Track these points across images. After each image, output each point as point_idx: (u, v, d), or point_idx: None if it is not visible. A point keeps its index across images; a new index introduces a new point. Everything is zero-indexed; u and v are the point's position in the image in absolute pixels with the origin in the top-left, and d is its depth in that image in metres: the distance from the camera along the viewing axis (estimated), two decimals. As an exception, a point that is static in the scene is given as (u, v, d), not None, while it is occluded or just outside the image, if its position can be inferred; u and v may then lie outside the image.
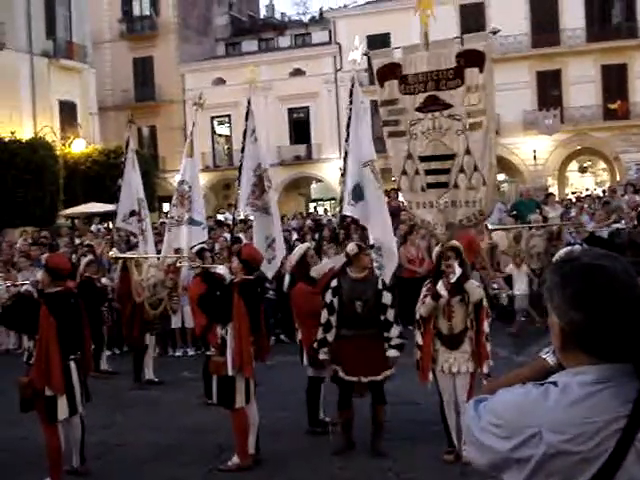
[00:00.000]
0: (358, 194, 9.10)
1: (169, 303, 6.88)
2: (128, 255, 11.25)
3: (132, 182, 11.99)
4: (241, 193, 10.03)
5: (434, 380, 6.84)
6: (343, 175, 9.22)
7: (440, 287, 6.60)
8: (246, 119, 10.28)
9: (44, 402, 6.37)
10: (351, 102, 9.31)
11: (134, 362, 10.91)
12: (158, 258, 10.58)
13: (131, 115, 15.30)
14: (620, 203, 17.16)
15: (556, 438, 1.82)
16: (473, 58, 6.23)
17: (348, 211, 9.17)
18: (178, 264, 10.06)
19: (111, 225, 26.64)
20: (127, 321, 11.02)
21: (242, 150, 10.23)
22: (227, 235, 15.10)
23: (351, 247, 7.40)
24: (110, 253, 11.51)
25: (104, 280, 11.78)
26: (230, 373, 6.82)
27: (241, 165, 10.16)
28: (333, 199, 39.93)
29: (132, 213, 11.90)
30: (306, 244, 9.00)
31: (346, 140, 9.34)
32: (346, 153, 9.19)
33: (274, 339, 13.52)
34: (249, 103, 10.35)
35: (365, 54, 7.57)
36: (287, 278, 13.24)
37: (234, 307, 6.83)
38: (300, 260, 8.24)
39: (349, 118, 9.29)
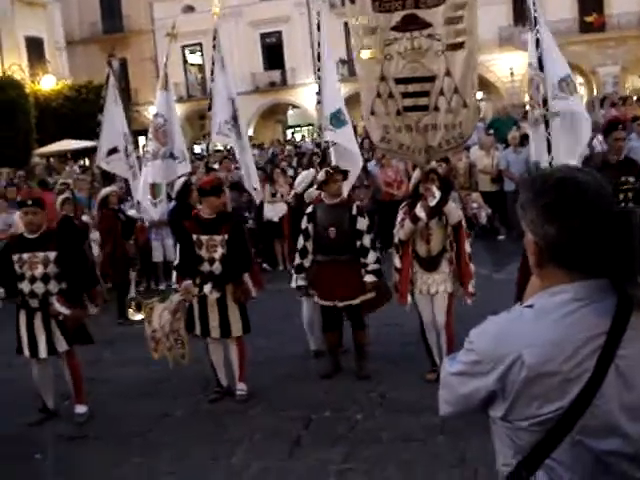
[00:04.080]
0: (341, 119, 9.07)
1: (179, 348, 6.78)
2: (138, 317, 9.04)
3: (115, 118, 11.81)
4: (213, 123, 9.96)
5: (413, 302, 6.90)
6: (319, 103, 9.16)
7: (419, 210, 6.58)
8: (214, 48, 10.21)
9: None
10: (319, 28, 9.24)
11: (118, 298, 10.92)
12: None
13: (112, 49, 14.90)
14: (597, 117, 17.10)
15: (536, 360, 1.82)
16: None
17: (328, 136, 9.12)
18: (159, 201, 10.00)
19: (87, 162, 26.41)
20: (109, 258, 10.99)
21: (212, 80, 10.16)
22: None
23: (321, 173, 7.41)
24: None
25: (85, 218, 11.68)
26: (254, 294, 7.16)
27: (212, 95, 10.08)
28: (311, 125, 39.59)
29: (112, 151, 11.76)
30: (312, 170, 8.90)
31: (318, 69, 9.28)
32: (319, 78, 9.12)
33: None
34: (215, 34, 10.26)
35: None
36: (267, 207, 13.27)
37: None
38: (308, 188, 8.22)
39: (318, 44, 9.20)
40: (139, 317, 6.96)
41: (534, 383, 1.83)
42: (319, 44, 9.42)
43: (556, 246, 1.87)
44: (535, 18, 7.86)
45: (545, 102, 7.69)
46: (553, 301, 1.87)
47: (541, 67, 7.73)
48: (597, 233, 1.82)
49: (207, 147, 11.41)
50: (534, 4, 7.85)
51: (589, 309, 1.84)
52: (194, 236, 6.91)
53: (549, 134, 7.56)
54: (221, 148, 12.98)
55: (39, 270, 6.61)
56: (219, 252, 6.85)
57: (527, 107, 7.94)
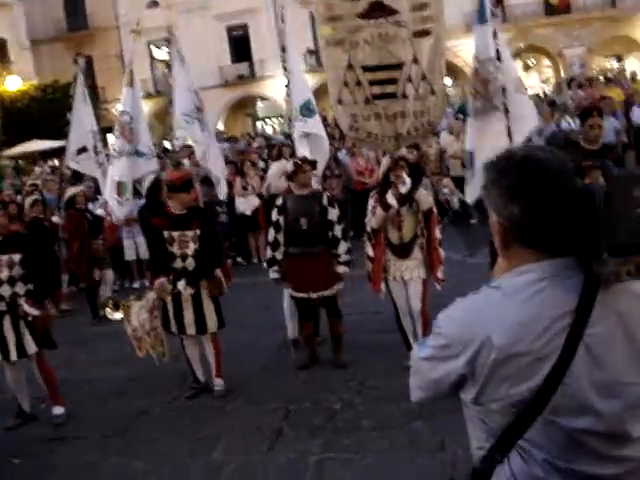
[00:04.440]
0: (311, 109, 9.09)
1: (159, 347, 6.68)
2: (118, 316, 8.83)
3: (83, 117, 11.74)
4: (175, 118, 9.97)
5: (387, 289, 6.90)
6: (288, 95, 9.16)
7: (390, 197, 6.57)
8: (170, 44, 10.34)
9: None
10: (283, 20, 9.31)
11: (87, 298, 10.86)
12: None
13: (79, 48, 14.82)
14: (565, 99, 17.22)
15: (505, 341, 1.81)
16: None
17: (300, 127, 9.11)
18: (125, 200, 9.93)
19: (56, 162, 26.13)
20: (75, 258, 10.91)
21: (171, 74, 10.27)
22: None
23: (289, 165, 7.40)
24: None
25: (55, 219, 11.57)
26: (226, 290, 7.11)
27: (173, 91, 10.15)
28: (281, 116, 39.48)
29: (81, 150, 11.68)
30: (283, 161, 8.90)
31: (284, 61, 9.29)
32: (286, 70, 9.13)
33: (230, 262, 13.52)
34: (170, 30, 10.35)
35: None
36: (239, 200, 13.21)
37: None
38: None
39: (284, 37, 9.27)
40: (118, 316, 6.90)
41: (504, 364, 1.82)
42: (284, 37, 9.46)
43: (520, 226, 1.87)
44: (492, 11, 7.95)
45: (504, 91, 7.62)
46: (519, 281, 1.87)
47: (499, 58, 7.67)
48: (560, 212, 1.82)
49: (171, 142, 11.39)
50: None
51: (556, 288, 1.84)
52: (165, 233, 6.83)
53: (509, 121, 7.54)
54: (191, 143, 12.93)
55: (5, 273, 6.56)
56: (191, 248, 6.79)
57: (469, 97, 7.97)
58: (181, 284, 6.80)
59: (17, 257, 6.58)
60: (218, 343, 7.08)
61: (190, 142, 12.18)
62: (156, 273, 6.96)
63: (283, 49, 9.42)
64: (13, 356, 6.66)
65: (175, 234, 6.82)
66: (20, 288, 6.60)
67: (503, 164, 1.91)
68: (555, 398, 1.81)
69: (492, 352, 1.82)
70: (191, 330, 6.91)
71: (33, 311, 6.58)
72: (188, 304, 6.84)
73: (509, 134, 7.43)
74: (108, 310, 6.97)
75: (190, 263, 6.81)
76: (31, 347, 6.69)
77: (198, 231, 6.80)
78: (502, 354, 1.81)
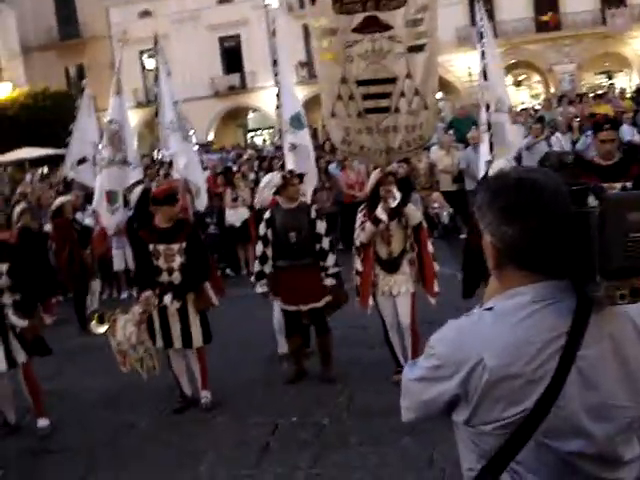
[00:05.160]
0: (301, 122, 9.17)
1: (148, 360, 6.55)
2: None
3: (88, 128, 11.84)
4: (162, 131, 10.04)
5: (375, 304, 6.89)
6: (278, 107, 9.23)
7: (380, 212, 6.57)
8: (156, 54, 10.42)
9: None
10: (274, 33, 9.45)
11: (75, 308, 10.79)
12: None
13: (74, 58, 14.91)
14: (555, 115, 17.31)
15: (498, 362, 1.81)
16: None
17: (290, 139, 9.17)
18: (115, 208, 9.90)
19: (46, 170, 26.07)
20: (64, 267, 10.85)
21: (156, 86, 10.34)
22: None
23: (277, 178, 7.39)
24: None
25: (47, 227, 11.55)
26: (216, 302, 7.08)
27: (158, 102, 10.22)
28: (272, 128, 39.51)
29: (81, 161, 11.74)
30: (275, 173, 8.89)
31: (276, 74, 9.43)
32: (277, 83, 9.25)
33: (219, 273, 13.49)
34: (156, 40, 10.43)
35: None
36: (229, 212, 13.19)
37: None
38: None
39: (275, 49, 9.42)
40: (102, 330, 6.83)
41: (497, 386, 1.81)
42: (275, 50, 9.56)
43: (514, 248, 1.87)
44: (481, 33, 8.57)
45: (488, 107, 8.33)
46: (512, 303, 1.87)
47: (485, 77, 8.41)
48: (555, 234, 1.82)
49: (159, 152, 11.45)
50: (481, 19, 8.58)
51: (549, 310, 1.84)
52: (151, 246, 6.74)
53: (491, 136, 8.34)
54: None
55: None
56: (177, 261, 6.71)
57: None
58: (167, 298, 6.73)
59: (4, 267, 6.49)
60: (203, 356, 7.04)
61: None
62: (142, 287, 6.82)
63: (275, 62, 9.49)
64: (2, 366, 6.56)
65: (161, 247, 6.72)
66: (7, 298, 6.53)
67: (498, 185, 1.91)
68: (547, 420, 1.81)
69: (485, 373, 1.81)
70: (177, 343, 6.84)
71: (21, 322, 6.52)
72: (175, 318, 6.76)
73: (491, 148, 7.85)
74: (93, 324, 6.84)
75: (176, 277, 6.73)
76: (20, 356, 6.61)
77: (184, 244, 6.72)
78: (495, 376, 1.81)
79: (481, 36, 8.43)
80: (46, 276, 7.24)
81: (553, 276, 1.87)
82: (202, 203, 11.09)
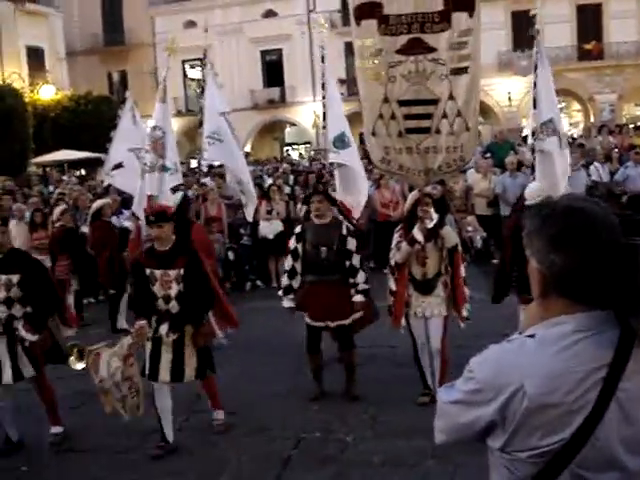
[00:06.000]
0: (345, 142, 9.33)
1: (130, 399, 6.04)
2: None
3: (129, 136, 12.04)
4: (204, 140, 10.19)
5: (407, 324, 6.87)
6: (324, 127, 9.43)
7: (416, 232, 6.57)
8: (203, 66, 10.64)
9: None
10: (323, 60, 9.73)
11: (110, 310, 10.87)
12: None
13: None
14: (594, 144, 17.18)
15: (538, 390, 1.79)
16: (462, 2, 6.07)
17: (331, 157, 9.31)
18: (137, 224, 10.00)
19: (83, 172, 26.38)
20: (104, 271, 10.93)
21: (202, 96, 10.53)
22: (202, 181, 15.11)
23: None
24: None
25: (85, 229, 11.70)
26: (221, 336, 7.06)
27: (203, 112, 10.38)
28: (308, 143, 39.65)
29: (117, 166, 11.93)
30: None
31: (323, 94, 9.67)
32: (323, 97, 9.51)
33: (250, 284, 13.55)
34: (205, 53, 10.64)
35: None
36: (263, 224, 13.27)
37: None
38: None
39: (323, 74, 9.74)
40: (81, 366, 6.19)
41: (536, 414, 1.80)
42: (323, 74, 9.92)
43: (561, 276, 1.86)
44: (535, 65, 8.76)
45: (534, 134, 8.67)
46: (555, 332, 1.85)
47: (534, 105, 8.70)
48: (603, 264, 1.80)
49: (198, 162, 11.58)
50: (537, 52, 8.77)
51: (591, 341, 1.82)
52: (147, 270, 6.22)
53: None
54: (216, 163, 13.11)
55: (2, 294, 6.31)
56: (174, 289, 6.17)
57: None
58: (163, 328, 6.24)
59: (15, 278, 6.32)
60: (210, 383, 6.67)
61: (216, 162, 12.37)
62: (137, 314, 6.30)
63: (323, 85, 9.80)
64: (8, 379, 6.39)
65: (157, 272, 6.19)
66: (18, 310, 6.38)
67: (548, 212, 1.90)
68: (584, 451, 1.79)
69: (524, 400, 1.80)
70: (165, 375, 6.22)
71: (30, 337, 6.35)
72: (169, 348, 6.23)
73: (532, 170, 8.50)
74: (72, 359, 6.39)
75: (173, 306, 6.18)
76: (28, 371, 6.46)
77: (182, 270, 6.18)
78: (534, 403, 1.79)
79: (535, 67, 8.74)
80: (55, 291, 6.91)
81: (596, 306, 1.85)
82: (250, 213, 11.21)
